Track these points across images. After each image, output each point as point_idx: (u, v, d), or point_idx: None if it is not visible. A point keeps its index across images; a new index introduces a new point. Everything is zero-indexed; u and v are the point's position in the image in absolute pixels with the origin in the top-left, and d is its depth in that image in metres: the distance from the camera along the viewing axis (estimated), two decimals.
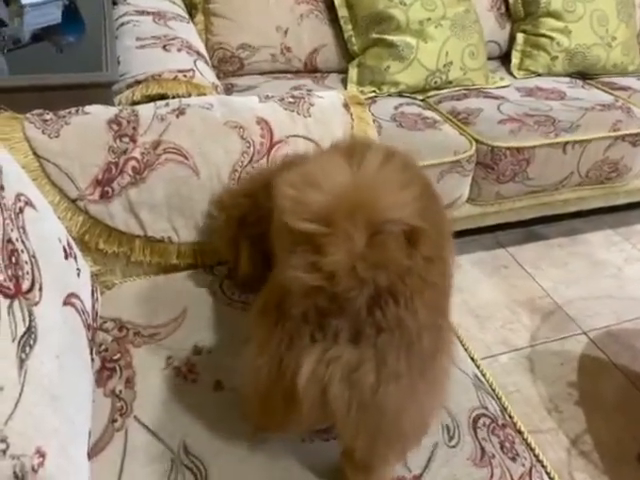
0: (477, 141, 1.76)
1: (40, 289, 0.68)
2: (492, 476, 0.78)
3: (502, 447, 0.82)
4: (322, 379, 0.59)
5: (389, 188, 0.58)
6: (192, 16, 1.89)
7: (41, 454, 0.56)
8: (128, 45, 1.44)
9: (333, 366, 0.59)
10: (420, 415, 0.65)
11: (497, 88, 2.04)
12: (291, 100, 1.14)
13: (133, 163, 1.01)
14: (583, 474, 1.35)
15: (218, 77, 1.63)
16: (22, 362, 0.58)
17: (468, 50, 1.98)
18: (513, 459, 0.81)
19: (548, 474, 0.82)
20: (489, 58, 2.18)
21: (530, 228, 2.13)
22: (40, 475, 0.55)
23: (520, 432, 0.86)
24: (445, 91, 1.99)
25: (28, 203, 0.76)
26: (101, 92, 1.18)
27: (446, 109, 1.89)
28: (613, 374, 1.60)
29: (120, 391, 0.83)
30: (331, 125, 1.14)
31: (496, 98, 1.94)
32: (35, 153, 0.97)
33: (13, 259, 0.65)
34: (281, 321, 0.61)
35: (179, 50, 1.44)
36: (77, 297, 0.80)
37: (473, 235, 2.02)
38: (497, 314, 1.78)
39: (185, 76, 1.32)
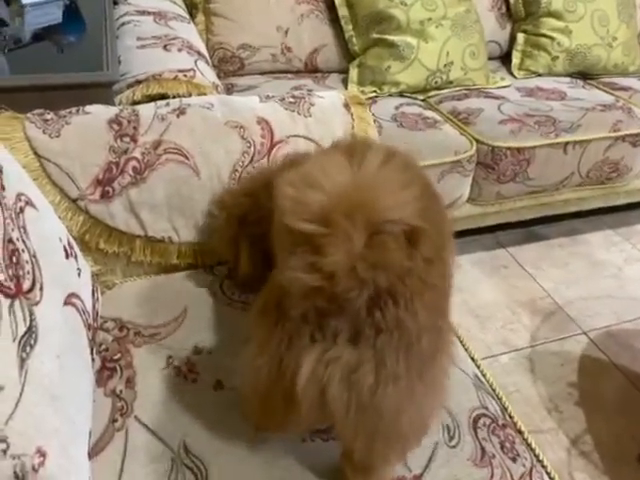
0: (478, 141, 1.76)
1: (41, 289, 0.68)
2: (492, 476, 0.78)
3: (502, 447, 0.82)
4: (321, 379, 0.59)
5: (389, 188, 0.57)
6: (193, 16, 1.89)
7: (42, 454, 0.56)
8: (129, 45, 1.44)
9: (332, 367, 0.59)
10: (419, 416, 0.65)
11: (498, 88, 2.03)
12: (292, 100, 1.14)
13: (134, 163, 1.01)
14: (583, 474, 1.35)
15: (218, 77, 1.63)
16: (23, 362, 0.58)
17: (469, 50, 1.97)
18: (513, 459, 0.81)
19: (548, 474, 0.82)
20: (490, 58, 2.18)
21: (530, 228, 2.13)
22: (41, 475, 0.55)
23: (520, 432, 0.86)
24: (446, 91, 1.99)
25: (29, 203, 0.76)
26: (102, 92, 1.18)
27: (447, 109, 1.89)
28: (613, 374, 1.60)
29: (120, 391, 0.83)
30: (332, 125, 1.14)
31: (497, 98, 1.94)
32: (36, 153, 0.97)
33: (14, 259, 0.65)
34: (281, 321, 0.61)
35: (180, 50, 1.44)
36: (78, 297, 0.80)
37: (473, 235, 2.02)
38: (497, 314, 1.78)
39: (186, 76, 1.32)
